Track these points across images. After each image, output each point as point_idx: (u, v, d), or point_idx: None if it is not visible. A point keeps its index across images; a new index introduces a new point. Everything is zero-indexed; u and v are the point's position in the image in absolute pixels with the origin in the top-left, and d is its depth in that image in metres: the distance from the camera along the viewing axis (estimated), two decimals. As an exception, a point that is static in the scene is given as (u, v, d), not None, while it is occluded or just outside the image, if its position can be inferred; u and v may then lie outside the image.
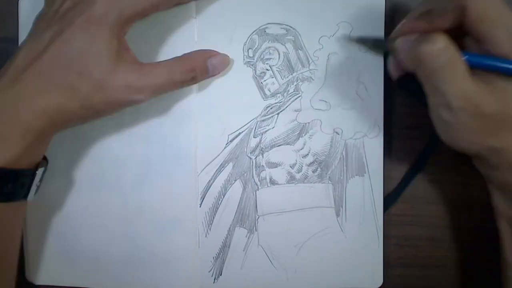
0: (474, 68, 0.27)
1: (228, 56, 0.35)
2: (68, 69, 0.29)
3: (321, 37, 0.35)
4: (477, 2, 0.26)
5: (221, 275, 0.36)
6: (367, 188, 0.35)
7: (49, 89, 0.29)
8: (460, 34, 0.28)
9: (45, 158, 0.33)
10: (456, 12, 0.26)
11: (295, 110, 0.35)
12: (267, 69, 0.35)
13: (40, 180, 0.32)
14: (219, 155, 0.36)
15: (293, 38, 0.35)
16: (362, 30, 0.35)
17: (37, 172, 0.31)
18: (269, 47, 0.35)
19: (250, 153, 0.36)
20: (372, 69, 0.35)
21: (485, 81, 0.27)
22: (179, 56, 0.33)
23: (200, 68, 0.33)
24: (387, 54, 0.33)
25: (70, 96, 0.29)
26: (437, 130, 0.29)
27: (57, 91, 0.29)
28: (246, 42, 0.35)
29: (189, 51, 0.34)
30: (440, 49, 0.26)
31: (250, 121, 0.36)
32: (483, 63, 0.27)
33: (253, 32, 0.35)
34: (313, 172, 0.36)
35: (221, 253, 0.36)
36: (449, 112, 0.27)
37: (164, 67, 0.32)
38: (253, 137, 0.36)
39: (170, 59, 0.33)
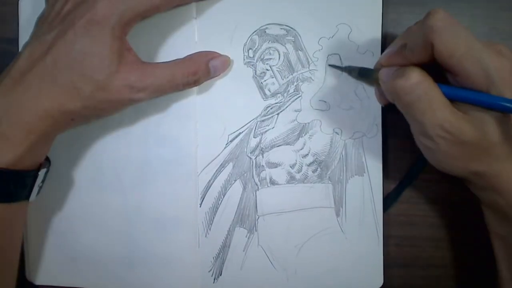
0: (451, 99, 0.27)
1: (229, 57, 0.35)
2: (70, 70, 0.29)
3: (320, 38, 0.35)
4: (444, 38, 0.26)
5: (221, 275, 0.36)
6: (367, 188, 0.36)
7: (52, 90, 0.29)
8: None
9: (47, 159, 0.33)
10: (426, 48, 0.27)
11: (295, 110, 0.36)
12: (267, 69, 0.35)
13: (43, 181, 0.32)
14: (219, 155, 0.36)
15: (293, 38, 0.35)
16: (361, 31, 0.35)
17: (39, 173, 0.31)
18: (269, 47, 0.35)
19: (250, 153, 0.36)
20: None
21: (462, 110, 0.27)
22: (181, 58, 0.33)
23: (202, 71, 0.33)
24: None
25: (72, 97, 0.29)
26: (424, 155, 0.30)
27: (59, 92, 0.29)
28: (246, 42, 0.35)
29: (189, 52, 0.34)
30: (413, 84, 0.27)
31: (250, 121, 0.36)
32: (458, 95, 0.27)
33: (253, 32, 0.35)
34: (313, 172, 0.36)
35: (221, 253, 0.36)
36: (429, 140, 0.28)
37: (166, 69, 0.32)
38: (253, 137, 0.36)
39: (172, 60, 0.33)
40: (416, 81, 0.27)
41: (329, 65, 0.35)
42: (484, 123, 0.27)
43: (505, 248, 0.31)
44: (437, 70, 0.28)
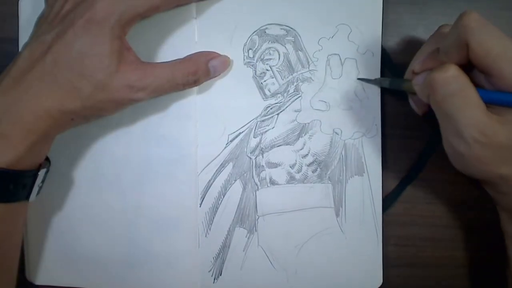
0: (486, 102, 0.27)
1: (229, 58, 0.35)
2: (70, 70, 0.29)
3: (320, 38, 0.35)
4: (479, 38, 0.26)
5: (221, 275, 0.36)
6: (367, 188, 0.36)
7: (52, 90, 0.29)
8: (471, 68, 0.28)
9: (47, 159, 0.33)
10: (460, 49, 0.27)
11: (295, 111, 0.36)
12: (267, 70, 0.35)
13: (42, 181, 0.32)
14: (219, 155, 0.36)
15: (293, 39, 0.35)
16: (361, 32, 0.35)
17: (39, 173, 0.31)
18: (269, 47, 0.35)
19: (250, 153, 0.36)
20: (370, 70, 0.35)
21: (496, 112, 0.27)
22: (181, 58, 0.33)
23: (202, 71, 0.33)
24: (401, 91, 0.33)
25: (72, 97, 0.29)
26: (449, 158, 0.30)
27: (59, 91, 0.29)
28: (246, 42, 0.35)
29: (189, 52, 0.34)
30: (450, 76, 0.26)
31: (250, 121, 0.36)
32: (492, 98, 0.27)
33: (253, 32, 0.35)
34: (312, 172, 0.36)
35: (221, 253, 0.36)
36: (461, 140, 0.27)
37: (166, 68, 0.32)
38: (253, 137, 0.36)
39: (172, 60, 0.33)
40: (454, 74, 0.26)
41: (358, 78, 0.35)
42: None
43: None
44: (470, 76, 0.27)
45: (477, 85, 0.27)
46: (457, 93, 0.26)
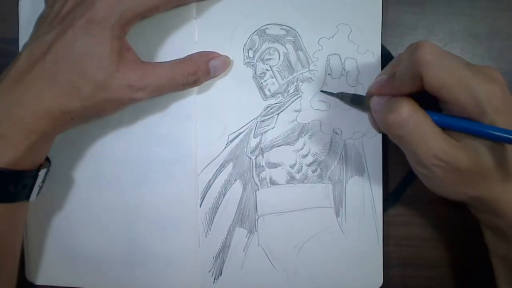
0: (444, 128, 0.28)
1: (229, 58, 0.35)
2: (70, 70, 0.29)
3: (320, 38, 0.35)
4: (433, 70, 0.26)
5: (221, 275, 0.36)
6: (367, 188, 0.36)
7: (52, 90, 0.29)
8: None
9: (47, 159, 0.33)
10: (415, 79, 0.27)
11: (295, 111, 0.36)
12: (267, 70, 0.35)
13: (43, 181, 0.32)
14: (219, 155, 0.36)
15: (293, 39, 0.35)
16: (361, 32, 0.35)
17: (39, 173, 0.31)
18: (269, 47, 0.35)
19: (250, 153, 0.36)
20: (371, 70, 0.35)
21: (455, 137, 0.27)
22: (181, 58, 0.34)
23: (202, 71, 0.33)
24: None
25: (72, 97, 0.29)
26: (421, 181, 0.31)
27: (59, 92, 0.29)
28: (246, 42, 0.35)
29: (189, 52, 0.34)
30: (404, 119, 0.27)
31: (250, 121, 0.36)
32: (450, 124, 0.27)
33: (253, 32, 0.35)
34: (313, 172, 0.36)
35: (221, 253, 0.36)
36: (425, 169, 0.28)
37: (166, 68, 0.32)
38: (253, 137, 0.36)
39: (172, 60, 0.33)
40: (407, 116, 0.27)
41: (321, 91, 0.35)
42: (478, 151, 0.27)
43: (505, 268, 0.31)
44: (428, 96, 0.28)
45: (436, 107, 0.28)
46: (412, 131, 0.27)
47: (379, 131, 0.34)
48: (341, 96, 0.35)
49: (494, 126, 0.26)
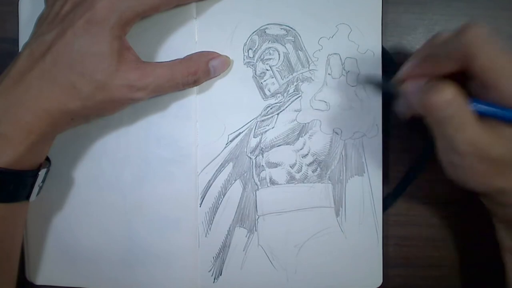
0: (481, 114, 0.27)
1: (229, 58, 0.35)
2: (70, 70, 0.29)
3: (320, 38, 0.35)
4: (485, 51, 0.26)
5: (221, 275, 0.36)
6: (367, 188, 0.36)
7: (52, 90, 0.29)
8: (465, 76, 0.28)
9: (47, 159, 0.33)
10: (458, 60, 0.27)
11: (295, 110, 0.36)
12: (267, 69, 0.35)
13: (43, 181, 0.32)
14: (219, 155, 0.36)
15: (293, 38, 0.35)
16: (361, 31, 0.35)
17: (39, 173, 0.31)
18: (269, 47, 0.35)
19: (250, 153, 0.36)
20: (371, 69, 0.35)
21: (492, 126, 0.27)
22: (181, 58, 0.34)
23: (202, 71, 0.33)
24: (387, 92, 0.33)
25: (72, 97, 0.29)
26: (445, 171, 0.30)
27: (59, 92, 0.29)
28: (246, 42, 0.35)
29: (189, 52, 0.34)
30: (448, 100, 0.26)
31: (250, 121, 0.36)
32: (490, 112, 0.27)
33: (253, 32, 0.35)
34: (312, 172, 0.36)
35: (221, 253, 0.36)
36: (457, 156, 0.27)
37: (166, 68, 0.32)
38: (253, 137, 0.36)
39: (172, 60, 0.33)
40: (451, 97, 0.26)
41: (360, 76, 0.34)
42: None
43: None
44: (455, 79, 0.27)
45: (471, 92, 0.27)
46: (453, 115, 0.27)
47: (407, 117, 0.32)
48: (369, 81, 0.34)
49: None
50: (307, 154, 0.36)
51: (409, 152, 0.36)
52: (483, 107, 0.27)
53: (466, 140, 0.27)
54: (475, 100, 0.27)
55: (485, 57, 0.26)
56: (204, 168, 0.36)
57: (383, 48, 0.35)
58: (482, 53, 0.26)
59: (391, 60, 0.36)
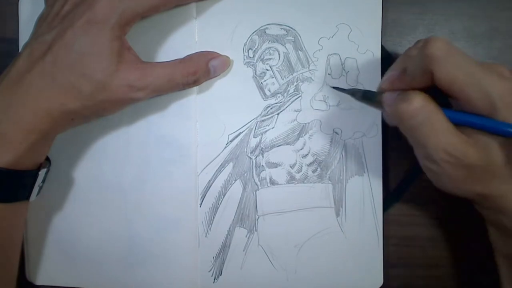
0: (454, 123, 0.28)
1: (229, 58, 0.35)
2: (70, 70, 0.29)
3: (320, 38, 0.35)
4: (444, 67, 0.26)
5: (221, 275, 0.36)
6: (367, 188, 0.36)
7: (52, 90, 0.29)
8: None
9: (47, 159, 0.33)
10: (426, 75, 0.27)
11: (295, 110, 0.36)
12: (267, 69, 0.35)
13: (43, 181, 0.32)
14: (219, 155, 0.36)
15: (293, 38, 0.35)
16: (361, 31, 0.35)
17: (39, 173, 0.31)
18: (269, 47, 0.35)
19: (250, 153, 0.36)
20: (371, 69, 0.35)
21: (466, 133, 0.27)
22: (181, 58, 0.34)
23: (202, 71, 0.33)
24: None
25: (72, 97, 0.29)
26: (428, 178, 0.30)
27: (59, 92, 0.29)
28: (246, 42, 0.35)
29: (189, 52, 0.34)
30: (416, 109, 0.27)
31: (250, 121, 0.36)
32: (462, 120, 0.28)
33: (253, 32, 0.35)
34: (313, 172, 0.36)
35: (221, 253, 0.36)
36: (433, 163, 0.28)
37: (166, 68, 0.32)
38: (253, 137, 0.36)
39: (172, 60, 0.33)
40: (419, 105, 0.27)
41: (332, 87, 0.35)
42: (488, 147, 0.27)
43: (509, 266, 0.31)
44: (439, 93, 0.28)
45: (447, 104, 0.28)
46: (423, 122, 0.27)
47: (392, 125, 0.33)
48: (352, 92, 0.35)
49: (507, 122, 0.26)
50: (307, 154, 0.36)
51: (409, 152, 0.36)
52: (455, 116, 0.28)
53: (439, 147, 0.27)
54: (446, 109, 0.27)
55: (446, 71, 0.26)
56: (204, 168, 0.36)
57: (383, 48, 0.35)
58: (442, 67, 0.26)
59: (391, 61, 0.36)
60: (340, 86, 0.35)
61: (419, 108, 0.27)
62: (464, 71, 0.26)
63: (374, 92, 0.34)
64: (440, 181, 0.30)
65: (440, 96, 0.28)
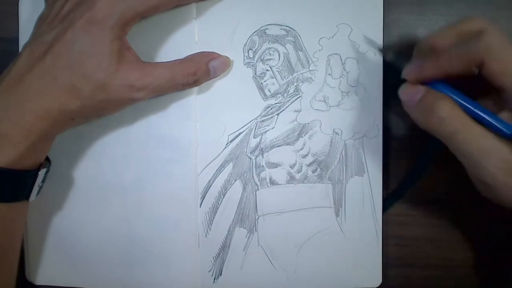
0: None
1: (229, 58, 0.35)
2: (70, 70, 0.29)
3: (320, 38, 0.35)
4: (498, 57, 0.26)
5: (221, 275, 0.36)
6: (367, 188, 0.36)
7: (52, 90, 0.29)
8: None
9: (47, 159, 0.33)
10: (472, 62, 0.26)
11: (295, 111, 0.36)
12: (267, 70, 0.35)
13: (43, 181, 0.32)
14: (219, 155, 0.36)
15: (293, 39, 0.35)
16: (361, 31, 0.35)
17: (39, 173, 0.31)
18: (269, 47, 0.35)
19: (250, 153, 0.36)
20: (371, 70, 0.35)
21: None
22: (181, 59, 0.34)
23: (202, 71, 0.33)
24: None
25: (72, 97, 0.29)
26: (476, 188, 0.29)
27: (59, 91, 0.29)
28: (246, 42, 0.35)
29: (189, 52, 0.34)
30: (445, 118, 0.26)
31: (250, 121, 0.36)
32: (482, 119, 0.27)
33: (253, 33, 0.35)
34: (312, 172, 0.36)
35: (221, 253, 0.36)
36: (484, 171, 0.26)
37: (166, 68, 0.32)
38: (253, 137, 0.36)
39: (173, 60, 0.33)
40: (447, 115, 0.26)
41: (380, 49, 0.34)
42: None
43: None
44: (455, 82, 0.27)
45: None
46: (457, 130, 0.26)
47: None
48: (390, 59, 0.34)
49: None
50: (307, 154, 0.36)
51: (409, 152, 0.36)
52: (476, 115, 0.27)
53: (487, 152, 0.26)
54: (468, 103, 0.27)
55: (498, 64, 0.26)
56: (204, 168, 0.36)
57: (383, 48, 0.35)
58: (498, 58, 0.26)
59: (391, 61, 0.36)
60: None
61: (448, 118, 0.26)
62: None
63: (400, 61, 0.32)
64: (492, 191, 0.27)
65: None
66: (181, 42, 0.35)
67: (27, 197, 0.31)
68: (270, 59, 0.35)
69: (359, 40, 0.35)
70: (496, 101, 0.28)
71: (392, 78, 0.33)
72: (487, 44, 0.26)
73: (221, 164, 0.36)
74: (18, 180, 0.30)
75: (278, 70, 0.35)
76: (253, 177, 0.36)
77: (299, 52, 0.35)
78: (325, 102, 0.35)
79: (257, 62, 0.35)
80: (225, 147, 0.36)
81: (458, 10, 0.36)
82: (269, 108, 0.36)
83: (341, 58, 0.35)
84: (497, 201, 0.28)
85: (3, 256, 0.31)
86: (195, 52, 0.34)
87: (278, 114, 0.36)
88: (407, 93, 0.29)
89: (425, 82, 0.29)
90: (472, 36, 0.27)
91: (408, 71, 0.30)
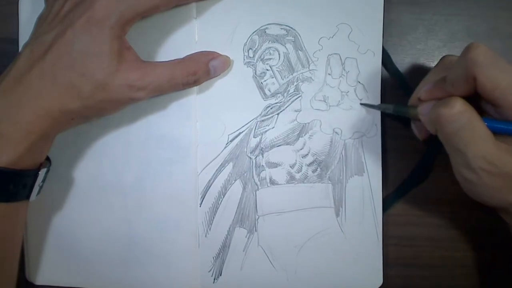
0: (494, 132, 0.27)
1: (229, 58, 0.35)
2: (70, 70, 0.29)
3: (321, 38, 0.35)
4: (487, 72, 0.26)
5: (221, 275, 0.36)
6: (366, 188, 0.36)
7: (52, 90, 0.29)
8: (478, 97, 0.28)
9: (48, 159, 0.33)
10: (468, 81, 0.27)
11: (295, 110, 0.36)
12: (267, 69, 0.35)
13: (43, 181, 0.32)
14: (219, 155, 0.36)
15: (293, 38, 0.35)
16: (361, 31, 0.35)
17: (39, 172, 0.31)
18: (269, 47, 0.35)
19: (250, 153, 0.36)
20: (371, 69, 0.35)
21: (505, 142, 0.27)
22: (181, 58, 0.34)
23: (202, 71, 0.33)
24: (404, 116, 0.33)
25: (72, 96, 0.29)
26: (460, 185, 0.30)
27: (59, 91, 0.29)
28: (246, 42, 0.35)
29: (189, 52, 0.34)
30: (457, 113, 0.27)
31: (250, 121, 0.36)
32: (502, 128, 0.27)
33: (253, 32, 0.35)
34: (312, 172, 0.36)
35: (221, 253, 0.36)
36: (470, 171, 0.28)
37: (167, 68, 0.32)
38: (253, 137, 0.36)
39: (172, 60, 0.33)
40: (460, 110, 0.27)
41: (361, 104, 0.35)
42: None
43: None
44: (475, 104, 0.27)
45: (485, 113, 0.27)
46: (464, 128, 0.27)
47: (423, 138, 0.33)
48: (383, 108, 0.34)
49: None
50: (307, 154, 0.36)
51: (409, 152, 0.36)
52: (494, 125, 0.27)
53: (478, 154, 0.27)
54: (485, 119, 0.27)
55: (489, 75, 0.26)
56: (204, 168, 0.36)
57: (383, 49, 0.35)
58: (485, 72, 0.26)
59: (391, 61, 0.36)
60: (368, 103, 0.35)
61: (460, 113, 0.27)
62: (507, 76, 0.26)
63: (406, 106, 0.33)
64: (474, 190, 0.29)
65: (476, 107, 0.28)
66: (181, 42, 0.35)
67: (27, 197, 0.31)
68: (270, 58, 0.35)
69: (359, 40, 0.35)
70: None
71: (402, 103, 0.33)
72: (473, 60, 0.26)
73: (221, 164, 0.36)
74: (18, 180, 0.30)
75: (278, 69, 0.35)
76: (253, 177, 0.36)
77: (299, 51, 0.35)
78: (325, 101, 0.35)
79: (257, 61, 0.35)
80: (225, 147, 0.36)
81: (457, 9, 0.36)
82: (269, 108, 0.36)
83: (340, 58, 0.35)
84: (479, 200, 0.30)
85: (3, 256, 0.31)
86: (195, 51, 0.34)
87: (278, 114, 0.36)
88: (425, 106, 0.30)
89: None
90: (461, 55, 0.27)
91: (420, 94, 0.31)
